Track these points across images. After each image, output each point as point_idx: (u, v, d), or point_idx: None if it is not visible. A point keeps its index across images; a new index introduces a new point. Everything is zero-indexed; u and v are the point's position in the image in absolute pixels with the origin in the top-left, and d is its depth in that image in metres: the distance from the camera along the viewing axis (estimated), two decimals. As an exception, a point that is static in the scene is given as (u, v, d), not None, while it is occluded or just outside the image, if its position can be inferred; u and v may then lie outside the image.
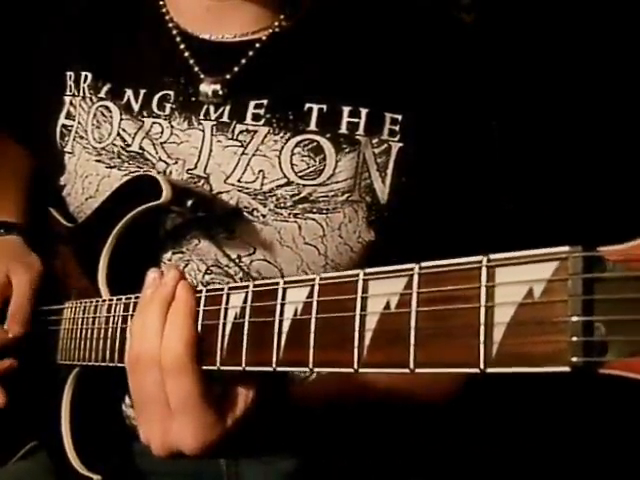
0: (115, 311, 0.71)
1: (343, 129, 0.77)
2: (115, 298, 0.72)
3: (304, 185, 0.77)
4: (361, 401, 0.71)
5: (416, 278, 0.42)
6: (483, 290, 0.39)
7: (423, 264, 0.42)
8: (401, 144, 0.78)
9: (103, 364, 0.72)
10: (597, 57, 1.11)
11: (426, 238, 0.77)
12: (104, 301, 0.75)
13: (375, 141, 0.78)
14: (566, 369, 0.35)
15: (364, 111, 0.77)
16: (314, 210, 0.77)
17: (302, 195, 0.77)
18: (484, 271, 0.39)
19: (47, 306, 0.88)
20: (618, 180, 1.08)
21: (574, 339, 0.34)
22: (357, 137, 0.77)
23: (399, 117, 0.77)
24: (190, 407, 0.56)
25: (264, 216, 0.78)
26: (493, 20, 1.02)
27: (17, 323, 0.86)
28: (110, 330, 0.71)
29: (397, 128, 0.77)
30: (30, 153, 1.02)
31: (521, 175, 0.78)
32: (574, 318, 0.35)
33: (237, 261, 0.80)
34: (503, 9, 1.09)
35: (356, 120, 0.77)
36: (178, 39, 0.85)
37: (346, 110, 0.78)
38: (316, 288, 0.48)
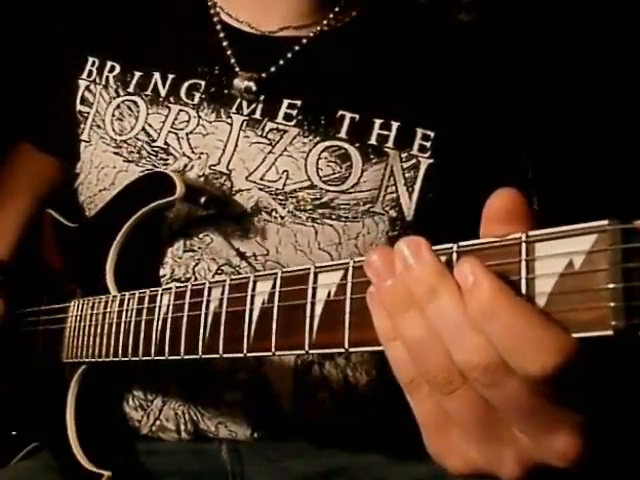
0: (128, 305, 0.71)
1: (373, 140, 0.78)
2: (127, 293, 0.72)
3: (327, 190, 0.77)
4: None
5: (455, 257, 0.44)
6: (523, 264, 0.41)
7: (461, 243, 0.44)
8: (431, 160, 0.78)
9: (115, 359, 0.72)
10: (612, 58, 1.15)
11: None
12: (115, 296, 0.75)
13: (404, 155, 0.79)
14: (609, 333, 0.37)
15: (395, 124, 0.78)
16: (333, 217, 0.77)
17: (323, 200, 0.78)
18: (524, 246, 0.41)
19: (49, 305, 0.87)
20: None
21: (616, 304, 0.37)
22: (386, 149, 0.78)
23: (431, 134, 0.78)
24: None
25: (282, 217, 0.78)
26: (493, 20, 1.05)
27: None
28: (123, 324, 0.71)
29: (428, 144, 0.78)
30: (52, 163, 0.98)
31: (551, 191, 0.79)
32: (615, 285, 0.37)
33: (250, 260, 0.79)
34: (503, 9, 1.12)
35: (386, 133, 0.78)
36: (218, 27, 0.84)
37: (377, 122, 0.78)
38: (350, 271, 0.49)
